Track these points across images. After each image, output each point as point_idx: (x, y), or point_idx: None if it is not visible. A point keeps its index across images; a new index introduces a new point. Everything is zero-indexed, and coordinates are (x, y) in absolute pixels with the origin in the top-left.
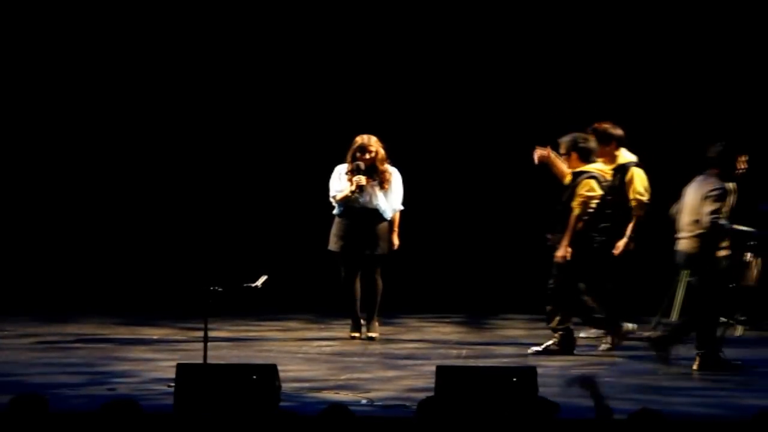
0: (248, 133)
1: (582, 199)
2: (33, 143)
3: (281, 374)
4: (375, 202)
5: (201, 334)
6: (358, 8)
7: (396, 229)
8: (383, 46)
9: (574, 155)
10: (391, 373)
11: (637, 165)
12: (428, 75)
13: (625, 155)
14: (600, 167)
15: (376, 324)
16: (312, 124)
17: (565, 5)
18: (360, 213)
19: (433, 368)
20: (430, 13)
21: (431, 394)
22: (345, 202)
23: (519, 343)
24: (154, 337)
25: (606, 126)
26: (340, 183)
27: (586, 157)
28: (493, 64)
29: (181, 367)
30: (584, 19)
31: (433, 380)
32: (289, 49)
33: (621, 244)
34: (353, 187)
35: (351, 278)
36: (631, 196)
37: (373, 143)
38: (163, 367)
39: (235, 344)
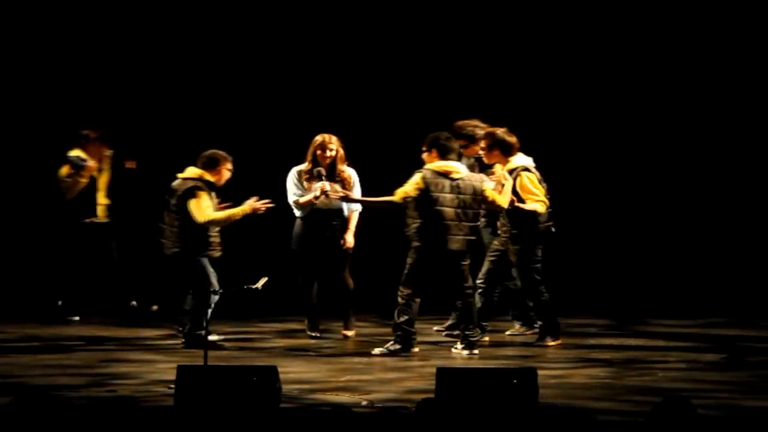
0: (249, 136)
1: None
2: (33, 147)
3: (282, 376)
4: (338, 203)
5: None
6: (338, 10)
7: (351, 228)
8: (354, 48)
9: None
10: (391, 375)
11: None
12: (395, 76)
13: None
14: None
15: (353, 322)
16: (311, 126)
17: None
18: (324, 214)
19: (434, 370)
20: (403, 15)
21: (432, 395)
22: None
23: (519, 344)
24: (155, 339)
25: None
26: (298, 187)
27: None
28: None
29: (181, 369)
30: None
31: (434, 382)
32: (279, 52)
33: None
34: (318, 193)
35: (311, 279)
36: None
37: (334, 142)
38: (163, 369)
39: (235, 345)
